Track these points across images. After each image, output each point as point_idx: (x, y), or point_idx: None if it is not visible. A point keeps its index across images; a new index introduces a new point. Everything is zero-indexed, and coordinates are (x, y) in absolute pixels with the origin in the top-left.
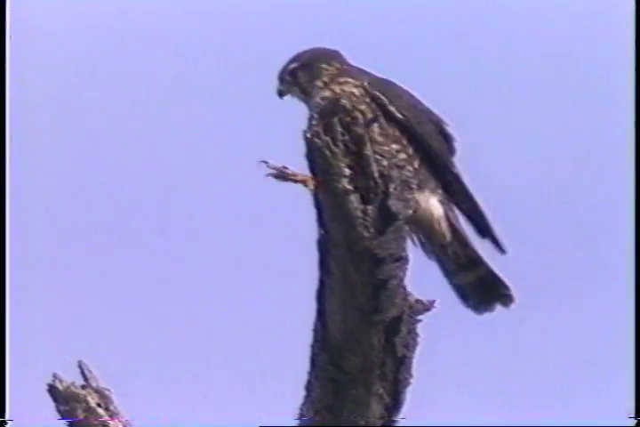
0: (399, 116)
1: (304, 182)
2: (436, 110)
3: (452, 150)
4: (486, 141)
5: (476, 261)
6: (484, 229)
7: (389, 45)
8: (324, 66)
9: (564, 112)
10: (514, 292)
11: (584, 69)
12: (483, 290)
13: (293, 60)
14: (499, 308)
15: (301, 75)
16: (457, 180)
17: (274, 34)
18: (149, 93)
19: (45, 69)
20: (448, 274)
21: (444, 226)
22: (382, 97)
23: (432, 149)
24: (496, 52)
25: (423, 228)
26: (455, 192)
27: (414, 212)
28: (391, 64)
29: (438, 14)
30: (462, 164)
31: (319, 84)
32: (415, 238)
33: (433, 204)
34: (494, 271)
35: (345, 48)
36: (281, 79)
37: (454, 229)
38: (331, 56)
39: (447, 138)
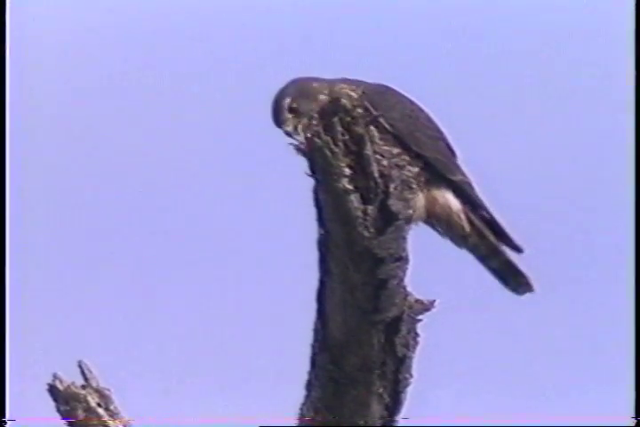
0: (389, 127)
1: None
2: (435, 117)
3: (454, 155)
4: (488, 142)
5: (495, 251)
6: (497, 233)
7: (390, 47)
8: (315, 84)
9: (565, 112)
10: (531, 280)
11: (584, 70)
12: (510, 275)
13: (282, 97)
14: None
15: (299, 103)
16: (459, 187)
17: (270, 36)
18: (147, 91)
19: (45, 69)
20: (479, 259)
21: (463, 218)
22: (372, 108)
23: (428, 158)
24: (496, 52)
25: (443, 221)
26: (461, 198)
27: (433, 207)
28: (393, 65)
29: (437, 14)
30: (467, 166)
31: (322, 97)
32: (438, 230)
33: (450, 198)
34: (511, 261)
35: (343, 47)
36: (283, 121)
37: (472, 221)
38: (313, 78)
39: (448, 145)
